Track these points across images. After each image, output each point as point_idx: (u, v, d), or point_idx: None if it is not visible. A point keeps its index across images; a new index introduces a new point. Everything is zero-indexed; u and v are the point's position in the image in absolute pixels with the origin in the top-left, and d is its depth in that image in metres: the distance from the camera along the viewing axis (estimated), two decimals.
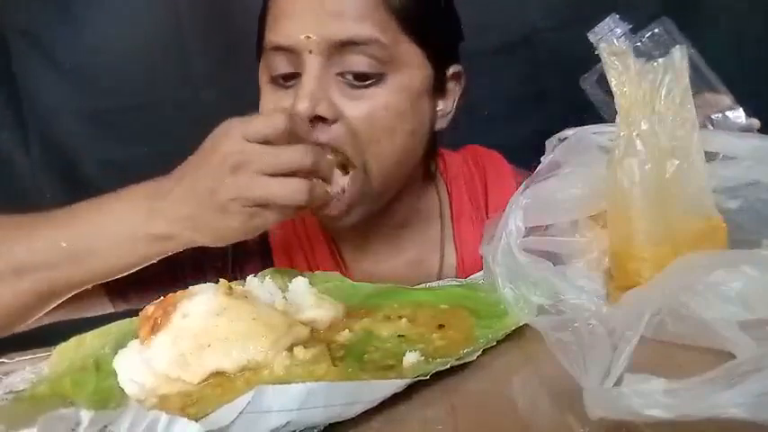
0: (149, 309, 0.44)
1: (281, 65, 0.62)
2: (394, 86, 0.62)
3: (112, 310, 0.69)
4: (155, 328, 0.42)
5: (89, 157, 1.14)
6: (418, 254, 0.76)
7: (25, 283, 0.55)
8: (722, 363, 0.32)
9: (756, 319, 0.40)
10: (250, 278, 0.51)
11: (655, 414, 0.29)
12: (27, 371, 0.50)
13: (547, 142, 0.57)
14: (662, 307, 0.40)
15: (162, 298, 0.45)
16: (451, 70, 0.69)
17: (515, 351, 0.45)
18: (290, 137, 0.54)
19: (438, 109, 0.69)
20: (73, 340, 0.50)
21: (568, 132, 0.56)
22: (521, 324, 0.46)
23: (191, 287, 0.46)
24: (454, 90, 0.71)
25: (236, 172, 0.51)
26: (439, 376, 0.41)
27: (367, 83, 0.61)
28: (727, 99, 0.61)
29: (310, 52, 0.60)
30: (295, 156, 0.53)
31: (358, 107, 0.61)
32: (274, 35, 0.62)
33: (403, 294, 0.55)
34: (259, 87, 0.68)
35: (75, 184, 1.14)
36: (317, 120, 0.60)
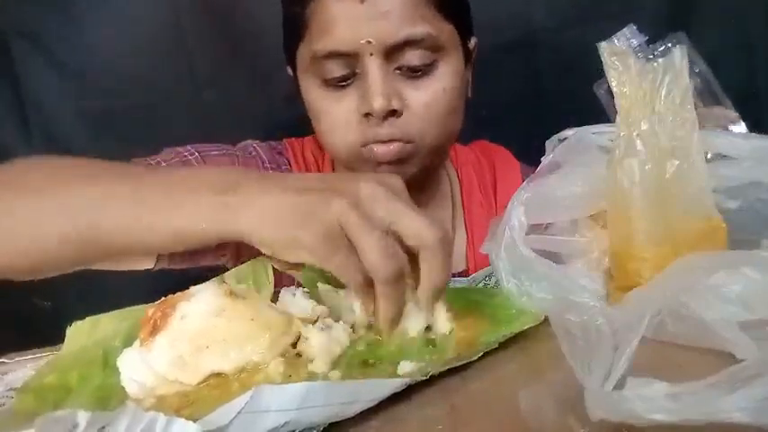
0: (149, 310, 0.44)
1: (336, 69, 0.66)
2: (446, 69, 0.68)
3: (151, 267, 0.64)
4: (154, 330, 0.43)
5: (92, 157, 1.14)
6: None
7: (73, 232, 0.47)
8: (722, 363, 0.32)
9: (757, 319, 0.39)
10: (284, 291, 0.48)
11: (657, 418, 0.29)
12: (28, 368, 0.50)
13: (547, 142, 0.57)
14: (662, 307, 0.40)
15: (162, 299, 0.45)
16: (472, 42, 0.75)
17: (517, 353, 0.45)
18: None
19: (468, 78, 0.75)
20: (88, 320, 0.49)
21: (568, 132, 0.56)
22: (524, 328, 0.46)
23: (190, 288, 0.46)
24: (472, 58, 0.76)
25: (351, 201, 0.41)
26: (439, 376, 0.41)
27: (423, 72, 0.67)
28: (732, 113, 0.62)
29: (371, 55, 0.64)
30: (425, 228, 0.41)
31: (421, 96, 0.67)
32: (331, 43, 0.65)
33: None
34: (298, 90, 0.71)
35: None
36: (389, 114, 0.65)
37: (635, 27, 0.51)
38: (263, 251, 0.44)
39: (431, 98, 0.67)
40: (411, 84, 0.66)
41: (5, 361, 0.53)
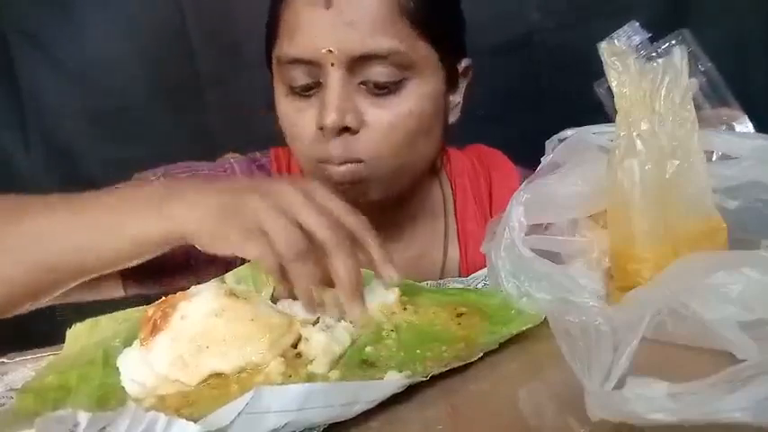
0: (149, 310, 0.44)
1: (300, 77, 0.63)
2: (415, 91, 0.64)
3: (123, 294, 0.68)
4: (154, 330, 0.43)
5: (90, 158, 1.14)
6: (422, 249, 0.77)
7: (26, 263, 0.53)
8: (722, 363, 0.32)
9: (757, 319, 0.39)
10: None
11: (657, 418, 0.29)
12: (28, 368, 0.50)
13: (547, 142, 0.57)
14: (662, 307, 0.40)
15: (163, 299, 0.45)
16: (463, 64, 0.71)
17: (517, 353, 0.45)
18: None
19: (451, 103, 0.71)
20: (88, 322, 0.50)
21: (568, 132, 0.56)
22: (524, 328, 0.46)
23: (191, 288, 0.46)
24: (463, 82, 0.72)
25: (267, 199, 0.48)
26: (440, 377, 0.41)
27: (389, 90, 0.62)
28: (738, 113, 0.62)
29: (332, 65, 0.61)
30: (326, 231, 0.47)
31: (382, 115, 0.63)
32: (293, 48, 0.62)
33: (420, 295, 0.55)
34: (273, 91, 0.69)
35: (76, 184, 1.13)
36: (343, 130, 0.62)
37: (637, 24, 0.51)
38: (199, 247, 0.49)
39: (393, 119, 0.63)
40: (374, 101, 0.62)
41: (5, 361, 0.53)
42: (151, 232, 0.50)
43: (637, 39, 0.51)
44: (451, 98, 0.71)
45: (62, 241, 0.52)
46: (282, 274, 0.46)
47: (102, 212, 0.53)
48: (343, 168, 0.64)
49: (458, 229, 0.78)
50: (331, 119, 0.61)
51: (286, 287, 0.48)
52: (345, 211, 0.50)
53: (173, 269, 0.68)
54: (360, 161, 0.64)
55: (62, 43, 1.10)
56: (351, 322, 0.47)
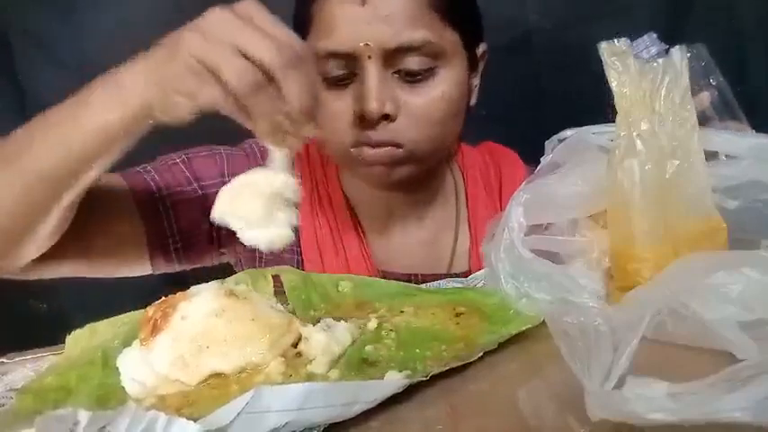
0: (149, 310, 0.44)
1: (336, 68, 0.66)
2: (445, 76, 0.68)
3: (150, 271, 0.71)
4: (155, 330, 0.43)
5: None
6: (434, 234, 0.80)
7: (18, 178, 0.54)
8: (722, 363, 0.32)
9: (757, 319, 0.39)
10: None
11: (657, 418, 0.29)
12: (28, 368, 0.50)
13: (547, 143, 0.57)
14: (662, 307, 0.40)
15: (162, 299, 0.45)
16: (481, 49, 0.74)
17: (517, 353, 0.45)
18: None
19: (472, 85, 0.74)
20: (87, 328, 0.50)
21: (568, 132, 0.56)
22: (523, 329, 0.46)
23: (191, 288, 0.46)
24: (481, 65, 0.76)
25: (203, 34, 0.46)
26: (439, 376, 0.41)
27: (421, 77, 0.66)
28: (746, 129, 0.62)
29: (369, 57, 0.64)
30: (270, 53, 0.44)
31: (417, 101, 0.67)
32: (331, 43, 0.65)
33: (419, 296, 0.55)
34: None
35: None
36: (382, 118, 0.65)
37: (655, 35, 0.51)
38: (165, 118, 0.49)
39: (427, 104, 0.67)
40: (408, 88, 0.66)
41: (5, 361, 0.53)
42: (113, 115, 0.50)
43: (654, 50, 0.51)
44: (472, 81, 0.74)
45: (41, 147, 0.53)
46: (243, 110, 0.45)
47: (70, 109, 0.54)
48: (381, 150, 0.67)
49: (468, 215, 0.80)
50: (372, 107, 0.64)
51: (249, 123, 0.46)
52: (284, 32, 0.47)
53: (199, 247, 0.72)
54: (399, 145, 0.67)
55: (64, 43, 1.10)
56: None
